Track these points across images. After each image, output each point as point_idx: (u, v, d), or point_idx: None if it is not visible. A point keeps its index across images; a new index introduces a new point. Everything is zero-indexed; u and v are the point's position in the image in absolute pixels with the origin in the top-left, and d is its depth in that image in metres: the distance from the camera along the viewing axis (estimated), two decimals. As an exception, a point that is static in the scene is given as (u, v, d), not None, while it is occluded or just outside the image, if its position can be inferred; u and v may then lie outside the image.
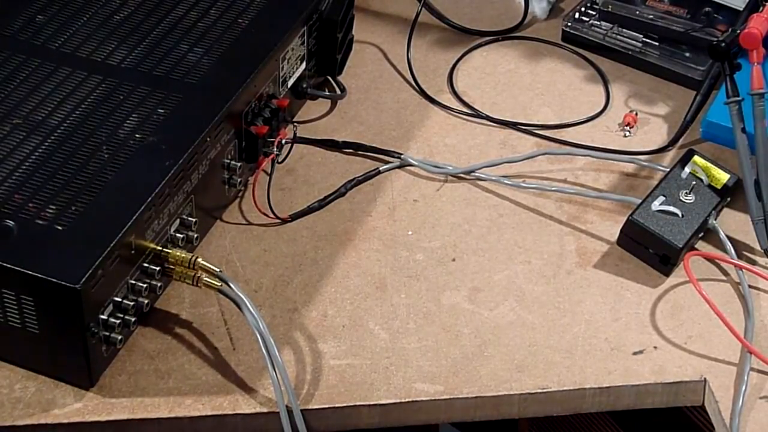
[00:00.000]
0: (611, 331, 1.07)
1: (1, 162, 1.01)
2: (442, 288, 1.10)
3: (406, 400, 1.00)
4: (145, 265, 1.00)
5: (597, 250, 1.14)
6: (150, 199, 0.98)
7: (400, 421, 1.01)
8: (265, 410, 0.98)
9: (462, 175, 1.21)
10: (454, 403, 1.01)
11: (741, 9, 1.29)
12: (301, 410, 0.98)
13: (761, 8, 1.19)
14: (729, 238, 1.14)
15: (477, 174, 1.21)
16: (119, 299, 0.97)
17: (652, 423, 1.41)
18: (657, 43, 1.36)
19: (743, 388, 1.01)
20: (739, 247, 1.14)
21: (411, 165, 1.22)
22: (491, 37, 1.40)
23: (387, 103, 1.30)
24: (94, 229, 0.95)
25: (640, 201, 1.14)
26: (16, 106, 1.06)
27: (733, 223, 1.17)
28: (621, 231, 1.14)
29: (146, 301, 1.00)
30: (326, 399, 1.00)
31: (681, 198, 1.14)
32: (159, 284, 1.01)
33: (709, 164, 1.17)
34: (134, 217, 0.96)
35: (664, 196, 1.14)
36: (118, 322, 0.96)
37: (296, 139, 1.21)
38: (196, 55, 1.13)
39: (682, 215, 1.13)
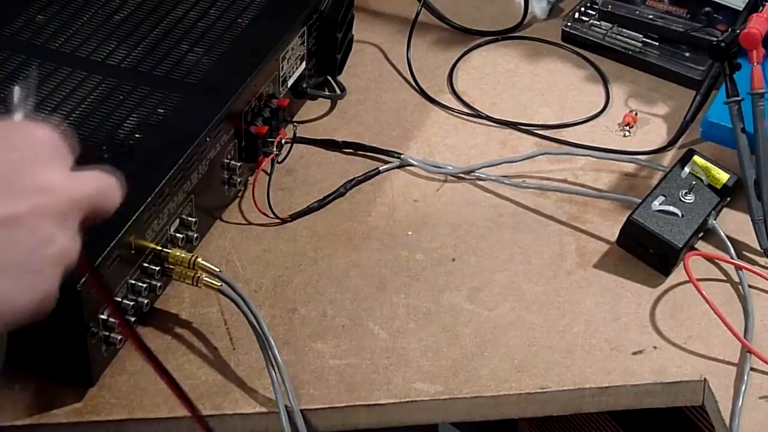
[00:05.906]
0: (611, 331, 1.06)
1: (1, 162, 1.01)
2: (441, 288, 1.10)
3: (406, 400, 1.00)
4: (145, 265, 1.00)
5: (597, 250, 1.14)
6: (150, 199, 0.98)
7: (400, 421, 1.01)
8: (264, 410, 0.98)
9: (462, 175, 1.21)
10: (453, 403, 1.01)
11: (741, 9, 1.29)
12: (301, 410, 0.98)
13: (761, 8, 1.19)
14: (729, 238, 1.14)
15: (477, 174, 1.21)
16: (119, 299, 0.97)
17: (652, 423, 1.41)
18: (657, 43, 1.36)
19: (743, 388, 1.01)
20: (739, 247, 1.14)
21: (411, 165, 1.22)
22: (491, 37, 1.40)
23: (387, 103, 1.30)
24: (94, 229, 0.95)
25: (640, 201, 1.14)
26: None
27: (733, 223, 1.17)
28: (621, 231, 1.14)
29: (146, 301, 1.00)
30: (326, 399, 1.00)
31: (681, 198, 1.14)
32: (159, 284, 1.01)
33: (708, 164, 1.17)
34: (134, 217, 0.96)
35: (663, 196, 1.14)
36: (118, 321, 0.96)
37: (296, 139, 1.21)
38: (196, 55, 1.13)
39: (682, 215, 1.13)
